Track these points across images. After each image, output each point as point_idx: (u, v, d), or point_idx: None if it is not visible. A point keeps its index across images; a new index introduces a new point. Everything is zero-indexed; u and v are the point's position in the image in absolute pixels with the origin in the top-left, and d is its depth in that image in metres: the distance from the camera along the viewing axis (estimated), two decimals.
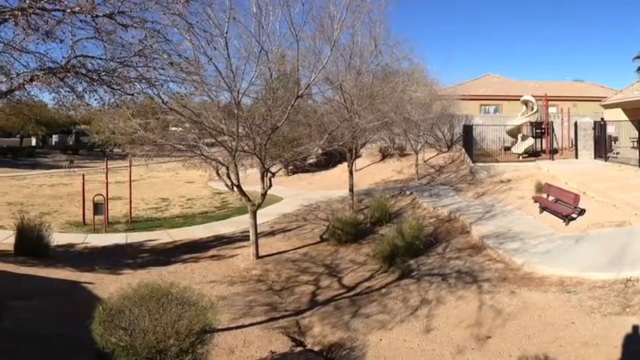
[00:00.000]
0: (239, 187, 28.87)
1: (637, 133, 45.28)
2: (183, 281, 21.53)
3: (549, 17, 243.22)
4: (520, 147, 49.27)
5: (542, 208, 31.75)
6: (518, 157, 48.77)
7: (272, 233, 36.12)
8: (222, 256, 30.73)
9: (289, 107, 27.32)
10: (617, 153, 47.12)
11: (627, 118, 48.96)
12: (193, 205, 50.14)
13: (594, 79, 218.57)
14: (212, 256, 30.82)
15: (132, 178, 47.07)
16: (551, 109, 58.24)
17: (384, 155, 65.80)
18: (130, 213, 43.20)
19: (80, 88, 18.47)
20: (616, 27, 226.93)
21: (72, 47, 17.32)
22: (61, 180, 71.00)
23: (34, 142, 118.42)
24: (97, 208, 38.55)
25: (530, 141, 49.61)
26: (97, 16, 15.97)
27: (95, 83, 18.14)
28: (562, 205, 30.32)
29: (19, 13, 14.36)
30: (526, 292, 20.83)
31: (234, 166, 28.13)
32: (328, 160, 64.61)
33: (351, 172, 40.26)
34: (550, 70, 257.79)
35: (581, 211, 29.52)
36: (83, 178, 43.17)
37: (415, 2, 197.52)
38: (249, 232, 30.39)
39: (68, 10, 15.30)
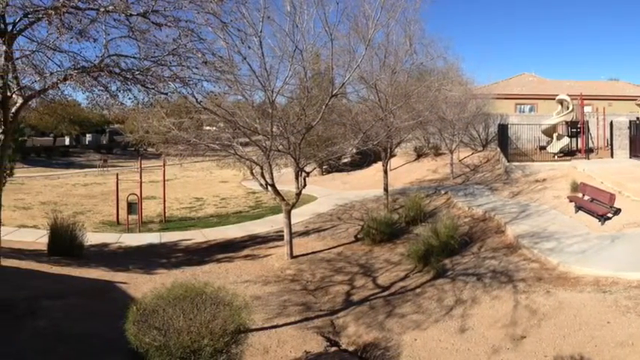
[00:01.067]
0: (273, 186, 28.94)
1: None
2: (218, 281, 21.60)
3: (585, 16, 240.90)
4: (555, 146, 48.91)
5: (578, 208, 31.52)
6: (554, 157, 48.41)
7: (306, 233, 36.19)
8: (257, 256, 30.85)
9: (324, 106, 27.36)
10: None
11: None
12: (227, 205, 50.38)
13: (629, 78, 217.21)
14: (246, 256, 30.94)
15: (166, 178, 47.28)
16: (587, 109, 57.65)
17: (419, 154, 65.60)
18: (164, 212, 43.50)
19: (114, 87, 18.57)
20: None
21: (105, 46, 17.42)
22: (94, 179, 71.56)
23: (67, 141, 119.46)
24: (131, 207, 38.82)
25: (565, 140, 49.24)
26: (130, 15, 16.05)
27: (129, 82, 18.22)
28: (597, 205, 30.10)
29: (53, 12, 14.48)
30: (561, 291, 20.73)
31: (268, 166, 28.22)
32: (363, 160, 64.64)
33: (385, 172, 40.19)
34: (585, 69, 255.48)
35: (617, 211, 29.28)
36: (117, 178, 43.48)
37: (450, 1, 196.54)
38: (283, 231, 30.45)
39: (102, 9, 15.40)
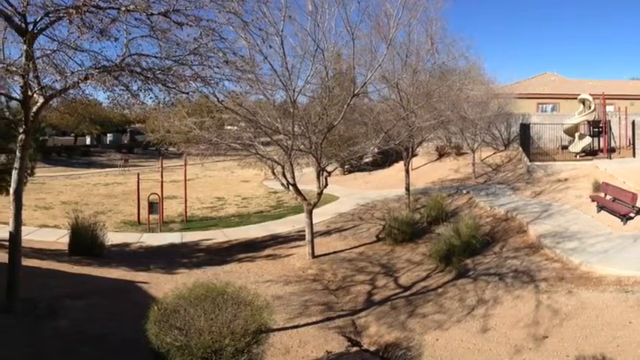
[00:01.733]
0: (295, 186, 29.01)
1: None
2: (239, 281, 21.68)
3: (607, 15, 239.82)
4: (577, 146, 48.66)
5: (600, 208, 31.34)
6: (576, 156, 48.09)
7: (328, 232, 36.24)
8: (278, 256, 30.93)
9: (345, 106, 27.41)
10: None
11: None
12: (249, 205, 50.49)
13: None
14: (268, 256, 31.03)
15: (187, 177, 47.53)
16: (609, 108, 57.31)
17: (441, 154, 65.51)
18: (185, 212, 43.66)
19: (135, 87, 18.63)
20: None
21: (126, 45, 17.49)
22: (115, 179, 71.88)
23: (88, 140, 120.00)
24: (152, 207, 38.98)
25: (587, 140, 49.00)
26: (151, 14, 16.11)
27: (150, 82, 18.27)
28: (620, 205, 29.95)
29: (74, 12, 14.56)
30: (583, 291, 20.65)
31: (289, 165, 28.29)
32: (384, 159, 64.50)
33: (407, 171, 40.13)
34: (608, 69, 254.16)
35: (639, 210, 29.17)
36: (138, 177, 43.68)
37: (472, 0, 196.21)
38: (304, 231, 30.55)
39: (123, 8, 15.46)
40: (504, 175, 50.60)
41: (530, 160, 47.12)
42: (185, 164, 46.68)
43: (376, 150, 36.75)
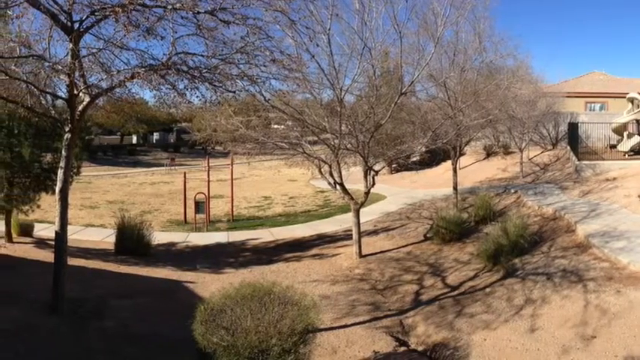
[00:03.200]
0: (342, 185, 29.04)
1: None
2: (286, 280, 21.79)
3: None
4: (626, 145, 48.12)
5: None
6: (624, 155, 47.52)
7: (375, 232, 36.19)
8: (325, 255, 30.98)
9: (393, 105, 27.38)
10: None
11: None
12: (295, 204, 50.67)
13: None
14: (314, 255, 31.11)
15: (233, 176, 47.66)
16: None
17: (489, 153, 65.44)
18: (232, 211, 43.88)
19: (181, 86, 18.74)
20: None
21: (173, 44, 17.61)
22: (162, 178, 72.48)
23: (134, 139, 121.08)
24: (199, 206, 39.25)
25: (636, 139, 48.36)
26: (198, 12, 16.21)
27: (196, 80, 18.38)
28: None
29: (120, 10, 14.70)
30: (632, 291, 20.38)
31: (336, 164, 28.32)
32: (432, 159, 64.42)
33: (455, 171, 40.00)
34: None
35: None
36: (184, 177, 43.99)
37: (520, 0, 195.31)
38: (351, 230, 30.52)
39: (169, 7, 15.58)
40: (552, 174, 50.26)
41: (578, 159, 46.74)
42: (232, 163, 46.89)
43: (424, 149, 36.66)
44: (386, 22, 26.23)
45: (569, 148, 54.27)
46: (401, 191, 52.95)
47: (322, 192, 55.38)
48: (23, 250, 28.98)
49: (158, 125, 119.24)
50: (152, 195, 55.87)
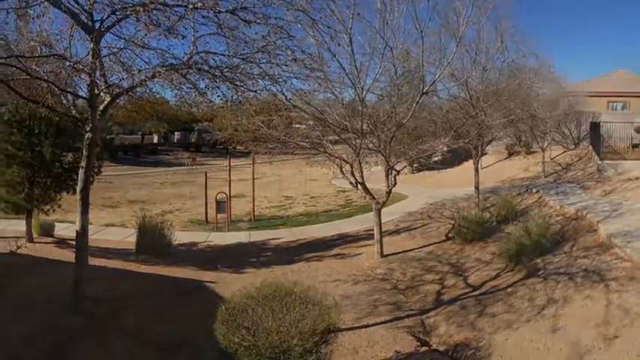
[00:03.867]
0: (363, 184, 29.00)
1: None
2: (307, 280, 21.77)
3: None
4: None
5: None
6: None
7: (396, 232, 36.17)
8: (346, 255, 30.98)
9: (414, 104, 27.34)
10: None
11: None
12: (317, 204, 50.74)
13: None
14: (336, 255, 31.11)
15: (255, 176, 47.74)
16: None
17: (510, 153, 65.54)
18: (253, 211, 44.00)
19: (202, 85, 18.81)
20: None
21: (194, 43, 17.67)
22: (183, 178, 72.72)
23: (155, 139, 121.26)
24: (220, 206, 39.32)
25: None
26: (219, 11, 16.26)
27: (218, 79, 18.42)
28: None
29: (141, 9, 14.77)
30: None
31: (358, 164, 28.28)
32: (453, 158, 64.40)
33: (476, 170, 39.89)
34: None
35: None
36: (206, 176, 44.04)
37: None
38: (373, 230, 30.49)
39: (190, 6, 15.63)
40: (574, 173, 50.15)
41: (600, 159, 46.57)
42: (253, 163, 46.97)
43: (445, 149, 36.64)
44: (407, 22, 26.18)
45: (591, 147, 54.11)
46: (423, 191, 52.90)
47: (343, 192, 55.35)
48: (44, 249, 29.16)
49: (179, 125, 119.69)
50: (173, 195, 56.07)
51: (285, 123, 30.01)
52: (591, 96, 64.26)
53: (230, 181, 44.19)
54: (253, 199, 44.82)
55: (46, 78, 18.07)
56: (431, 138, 34.01)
